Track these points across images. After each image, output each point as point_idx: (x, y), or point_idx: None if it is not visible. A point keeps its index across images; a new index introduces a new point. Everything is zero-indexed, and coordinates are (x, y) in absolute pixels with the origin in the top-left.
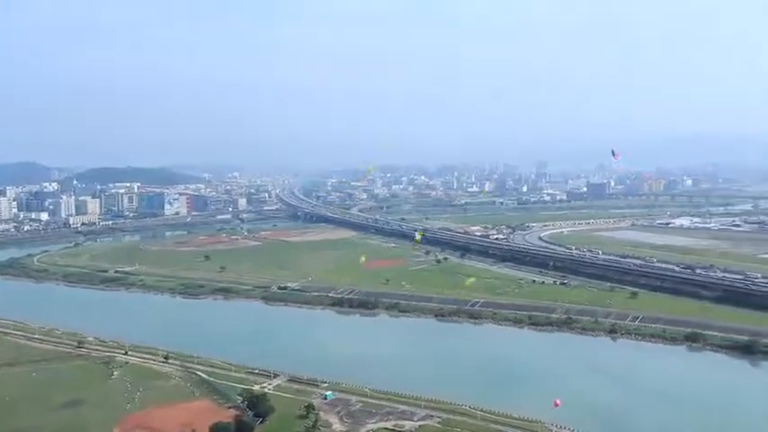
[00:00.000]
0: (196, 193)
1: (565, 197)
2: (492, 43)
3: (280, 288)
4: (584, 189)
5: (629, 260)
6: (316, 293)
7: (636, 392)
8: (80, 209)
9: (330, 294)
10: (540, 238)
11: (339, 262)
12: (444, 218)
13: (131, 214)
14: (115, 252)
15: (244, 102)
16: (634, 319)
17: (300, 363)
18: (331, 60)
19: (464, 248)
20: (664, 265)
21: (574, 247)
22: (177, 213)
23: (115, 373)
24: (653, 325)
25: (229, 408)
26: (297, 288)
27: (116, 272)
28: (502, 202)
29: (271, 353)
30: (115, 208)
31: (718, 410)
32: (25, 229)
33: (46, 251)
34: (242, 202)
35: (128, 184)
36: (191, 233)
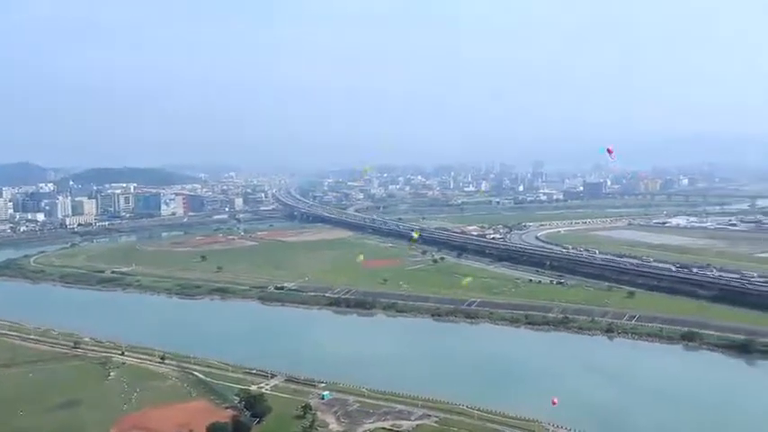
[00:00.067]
0: (192, 194)
1: (561, 197)
2: (492, 43)
3: (276, 288)
4: (581, 188)
5: (625, 259)
6: (312, 293)
7: (632, 391)
8: (76, 209)
9: (327, 294)
10: (536, 238)
11: (336, 262)
12: (441, 218)
13: (128, 215)
14: (112, 253)
15: (244, 102)
16: (631, 318)
17: (298, 363)
18: (331, 60)
19: (461, 248)
20: (660, 265)
21: (570, 247)
22: (174, 214)
23: (112, 373)
24: (650, 324)
25: (226, 408)
26: (294, 288)
27: (113, 272)
28: (498, 202)
29: (268, 353)
30: (111, 208)
31: (714, 409)
32: (21, 229)
33: (42, 252)
34: (238, 202)
35: (124, 185)
36: (187, 233)
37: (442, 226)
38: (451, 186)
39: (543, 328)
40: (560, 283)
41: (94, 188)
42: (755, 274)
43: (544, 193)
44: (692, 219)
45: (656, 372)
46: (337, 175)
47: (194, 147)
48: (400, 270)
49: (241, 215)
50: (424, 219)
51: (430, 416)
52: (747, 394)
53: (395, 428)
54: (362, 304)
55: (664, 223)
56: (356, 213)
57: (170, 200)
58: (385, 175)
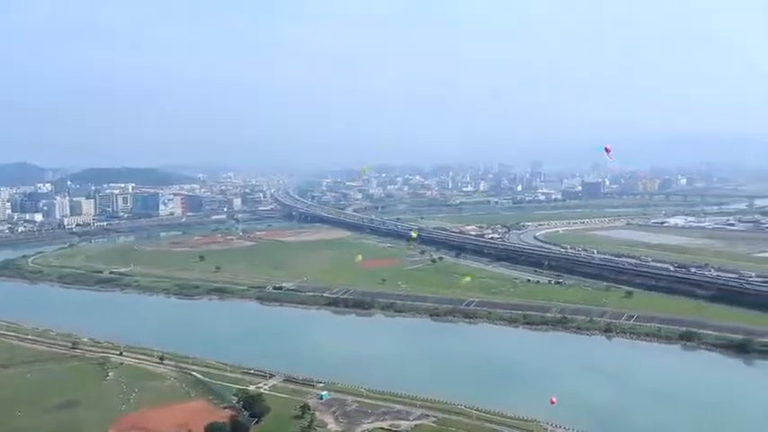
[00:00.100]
0: (191, 194)
1: (560, 196)
2: (492, 43)
3: (275, 288)
4: (579, 188)
5: (624, 259)
6: (311, 293)
7: (631, 391)
8: (74, 210)
9: (325, 294)
10: (535, 238)
11: (334, 262)
12: (439, 217)
13: (126, 215)
14: (110, 253)
15: (244, 102)
16: (629, 318)
17: (296, 363)
18: (331, 60)
19: (459, 248)
20: (659, 265)
21: (569, 247)
22: (172, 214)
23: (110, 373)
24: (648, 324)
25: (225, 408)
26: (292, 288)
27: (111, 273)
28: (497, 202)
29: (266, 353)
30: (110, 209)
31: (712, 409)
32: (19, 230)
33: (40, 252)
34: (237, 202)
35: (122, 185)
36: (185, 233)
37: (441, 226)
38: (450, 186)
39: (541, 327)
40: (558, 282)
41: (92, 188)
42: (753, 274)
43: (542, 193)
44: (690, 218)
45: (654, 371)
46: (336, 176)
47: (194, 147)
48: (399, 270)
49: (239, 215)
50: (422, 219)
51: (428, 416)
52: (745, 394)
53: (393, 428)
54: (361, 304)
55: (662, 223)
56: (354, 213)
57: (168, 200)
58: (383, 175)
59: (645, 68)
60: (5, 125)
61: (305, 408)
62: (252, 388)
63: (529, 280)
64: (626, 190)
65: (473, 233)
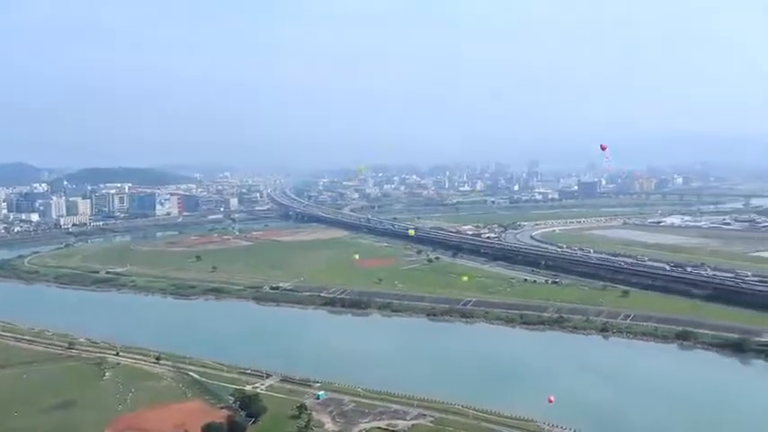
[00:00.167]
0: (187, 194)
1: (556, 196)
2: (492, 43)
3: (272, 288)
4: (576, 188)
5: (620, 259)
6: (308, 293)
7: (627, 390)
8: (71, 210)
9: (322, 294)
10: (531, 237)
11: (331, 262)
12: (436, 217)
13: (122, 215)
14: (106, 253)
15: (244, 102)
16: (626, 317)
17: (293, 363)
18: (331, 60)
19: (456, 248)
20: (655, 264)
21: (565, 246)
22: (168, 214)
23: (107, 374)
24: (644, 323)
25: (222, 408)
26: (289, 288)
27: (107, 273)
28: (494, 201)
29: (263, 353)
30: (106, 209)
31: (709, 408)
32: (15, 230)
33: (36, 252)
34: (233, 202)
35: (118, 185)
36: (182, 233)
37: (438, 225)
38: (447, 186)
39: (538, 327)
40: (555, 282)
41: (89, 188)
42: (749, 273)
43: (539, 193)
44: (686, 218)
45: (650, 371)
46: (332, 175)
47: (194, 147)
48: (395, 270)
49: (236, 215)
50: (419, 218)
51: (425, 415)
52: (741, 393)
53: (390, 428)
54: (357, 304)
55: (658, 222)
56: (351, 213)
57: (165, 200)
58: (380, 174)
59: (645, 68)
60: (5, 125)
61: (302, 408)
62: (249, 388)
63: (526, 279)
64: (622, 189)
65: (470, 233)
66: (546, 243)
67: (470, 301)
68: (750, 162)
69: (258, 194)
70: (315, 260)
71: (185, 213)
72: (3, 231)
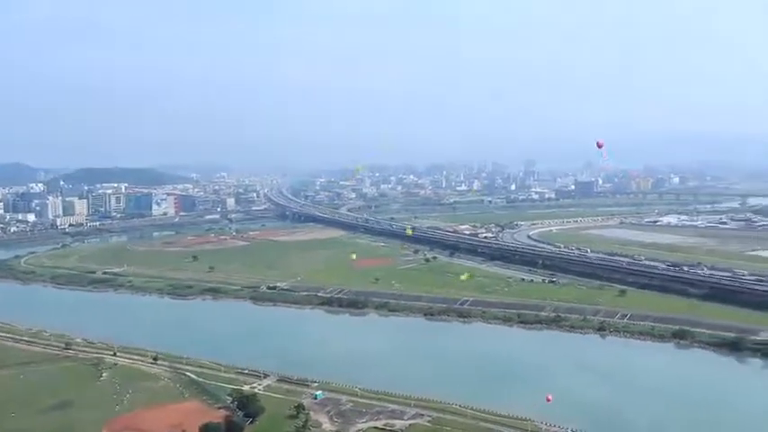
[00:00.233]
0: (184, 194)
1: (553, 195)
2: (492, 43)
3: (269, 288)
4: (573, 187)
5: (617, 258)
6: (305, 293)
7: (625, 389)
8: (67, 210)
9: (319, 294)
10: (528, 237)
11: (328, 261)
12: (433, 217)
13: (119, 215)
14: (103, 253)
15: (244, 102)
16: (623, 316)
17: (290, 363)
18: (331, 60)
19: (453, 247)
20: (652, 263)
21: (562, 246)
22: (165, 214)
23: (104, 374)
24: (641, 322)
25: (219, 408)
26: (286, 288)
27: (104, 273)
28: (491, 201)
29: (260, 353)
30: (102, 209)
31: (705, 407)
32: (12, 230)
33: (33, 253)
34: (230, 201)
35: (115, 185)
36: (179, 233)
37: (435, 225)
38: (444, 185)
39: (535, 326)
40: (552, 281)
41: (85, 188)
42: (746, 272)
43: (536, 192)
44: (683, 217)
45: (647, 370)
46: (329, 175)
47: (193, 147)
48: (392, 269)
49: (233, 215)
50: (416, 218)
51: (423, 415)
52: (738, 392)
53: (388, 428)
54: (355, 304)
55: (655, 222)
56: (348, 213)
57: (161, 200)
58: (377, 174)
59: (645, 68)
60: (3, 125)
61: (299, 408)
62: (246, 388)
63: (523, 279)
64: (619, 189)
65: (467, 232)
66: (543, 242)
67: (467, 301)
68: (750, 162)
69: (255, 194)
70: (312, 260)
71: (182, 213)
72: None
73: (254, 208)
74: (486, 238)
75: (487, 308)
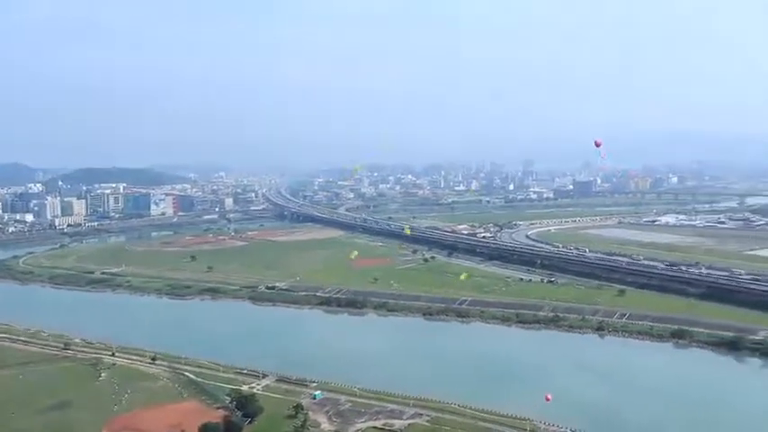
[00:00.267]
0: (182, 194)
1: (551, 195)
2: (492, 43)
3: (267, 288)
4: (571, 187)
5: (615, 258)
6: (303, 293)
7: (623, 389)
8: (65, 210)
9: (318, 294)
10: (527, 237)
11: (327, 261)
12: (431, 216)
13: (117, 215)
14: (101, 253)
15: (244, 102)
16: (621, 316)
17: (289, 363)
18: (331, 60)
19: (451, 247)
20: (650, 263)
21: (561, 245)
22: (163, 214)
23: (102, 374)
24: (640, 322)
25: (218, 408)
26: (284, 288)
27: (102, 273)
28: (489, 201)
29: (259, 353)
30: (101, 209)
31: (704, 406)
32: (10, 230)
33: (31, 253)
34: (228, 202)
35: (113, 185)
36: (177, 233)
37: (433, 225)
38: (442, 185)
39: (534, 326)
40: (551, 281)
41: (84, 188)
42: (744, 272)
43: (534, 192)
44: (681, 217)
45: (646, 369)
46: (328, 175)
47: (193, 147)
48: (391, 269)
49: (231, 215)
50: (414, 218)
51: (422, 415)
52: (737, 391)
53: (387, 428)
54: (353, 303)
55: (653, 221)
56: (347, 213)
57: (160, 200)
58: (375, 174)
59: (645, 68)
60: (3, 125)
61: (298, 407)
62: (245, 388)
63: (521, 279)
64: (617, 189)
65: (465, 232)
66: (541, 242)
67: (466, 301)
68: (749, 162)
69: (253, 194)
70: (310, 260)
71: (180, 213)
72: None
73: (252, 208)
74: (484, 237)
75: (486, 308)
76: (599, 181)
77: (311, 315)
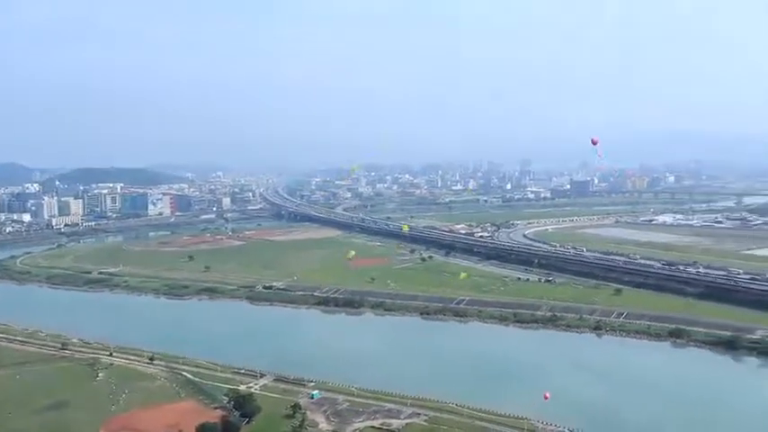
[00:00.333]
0: (180, 193)
1: (549, 195)
2: (492, 43)
3: (265, 288)
4: (568, 187)
5: (613, 257)
6: (301, 293)
7: (621, 388)
8: (63, 210)
9: (315, 293)
10: (524, 236)
11: (324, 261)
12: (429, 216)
13: (114, 215)
14: (98, 253)
15: (243, 102)
16: (619, 315)
17: (286, 362)
18: (331, 60)
19: (449, 247)
20: (647, 262)
21: (558, 245)
22: (161, 214)
23: (100, 374)
24: (637, 321)
25: (215, 408)
26: (282, 287)
27: (100, 273)
28: (486, 200)
29: (257, 353)
30: (98, 209)
31: (702, 405)
32: (7, 230)
33: (28, 253)
34: (226, 201)
35: (111, 185)
36: (174, 233)
37: (430, 224)
38: (439, 185)
39: (532, 326)
40: (548, 281)
41: (81, 188)
42: (741, 271)
43: (532, 192)
44: (678, 216)
45: (644, 368)
46: (325, 174)
47: (193, 147)
48: (388, 269)
49: (229, 215)
50: (412, 217)
51: (419, 414)
52: (734, 390)
53: (384, 427)
54: (351, 303)
55: (650, 221)
56: (344, 212)
57: (157, 200)
58: (372, 173)
59: (645, 68)
60: (1, 125)
61: (296, 407)
62: (242, 388)
63: (519, 278)
64: (615, 188)
65: (462, 232)
66: (539, 242)
67: (464, 300)
68: (748, 162)
69: (251, 194)
70: (308, 259)
71: (178, 213)
72: None
73: (249, 208)
74: (482, 237)
75: (484, 307)
76: (596, 180)
77: (308, 315)
